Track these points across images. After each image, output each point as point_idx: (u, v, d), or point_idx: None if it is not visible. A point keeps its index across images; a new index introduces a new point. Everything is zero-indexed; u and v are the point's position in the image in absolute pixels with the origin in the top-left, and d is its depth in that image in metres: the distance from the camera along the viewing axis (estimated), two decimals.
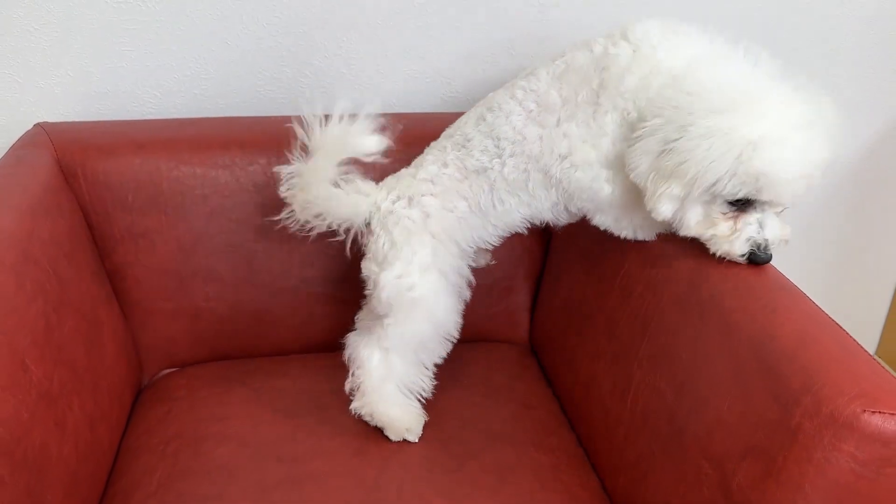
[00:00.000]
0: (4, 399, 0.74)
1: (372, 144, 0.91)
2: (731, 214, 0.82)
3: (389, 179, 1.02)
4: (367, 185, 1.00)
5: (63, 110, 1.17)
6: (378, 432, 0.98)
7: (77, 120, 1.16)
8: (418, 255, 0.96)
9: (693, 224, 0.84)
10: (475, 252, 1.03)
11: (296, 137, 0.94)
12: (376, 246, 0.98)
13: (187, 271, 1.10)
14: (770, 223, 0.82)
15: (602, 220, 0.94)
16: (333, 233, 1.01)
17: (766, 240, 0.82)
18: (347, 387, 1.00)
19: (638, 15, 0.93)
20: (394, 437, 0.97)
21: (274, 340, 1.15)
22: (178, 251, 1.09)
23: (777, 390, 0.70)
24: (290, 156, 0.96)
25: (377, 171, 1.00)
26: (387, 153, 0.92)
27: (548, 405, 1.07)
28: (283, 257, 1.13)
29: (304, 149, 0.95)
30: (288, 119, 1.17)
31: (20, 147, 1.05)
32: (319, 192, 0.95)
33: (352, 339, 1.03)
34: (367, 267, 1.00)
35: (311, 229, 0.99)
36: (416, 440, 0.97)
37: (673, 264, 0.88)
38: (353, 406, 0.99)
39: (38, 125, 1.10)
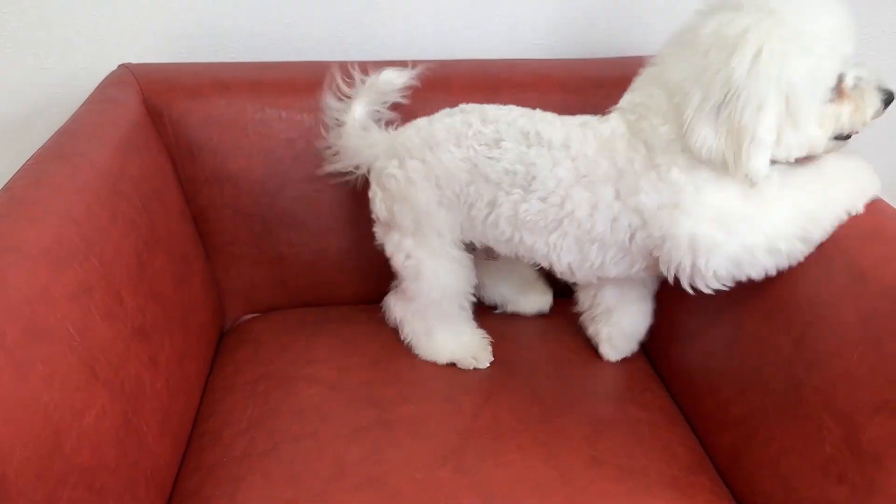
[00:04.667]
0: (104, 329, 0.74)
1: (389, 74, 0.97)
2: (832, 96, 0.78)
3: (401, 129, 0.97)
4: (380, 134, 0.99)
5: (145, 52, 1.16)
6: (467, 382, 0.95)
7: (159, 61, 1.15)
8: (403, 222, 0.94)
9: (816, 136, 0.78)
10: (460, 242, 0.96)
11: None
12: (375, 204, 0.97)
13: (271, 216, 1.08)
14: (860, 70, 0.79)
15: (714, 282, 0.82)
16: None
17: (878, 79, 0.79)
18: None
19: None
20: (467, 367, 0.97)
21: (355, 289, 1.14)
22: (262, 195, 1.07)
23: None
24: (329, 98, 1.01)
25: None
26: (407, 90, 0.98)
27: (638, 361, 1.03)
28: (366, 204, 1.11)
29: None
30: (372, 64, 1.16)
31: (107, 86, 1.04)
32: (349, 138, 0.99)
33: (388, 302, 1.03)
34: (377, 229, 1.00)
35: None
36: (487, 365, 0.97)
37: None
38: (418, 355, 1.00)
39: (123, 66, 1.09)
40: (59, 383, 0.65)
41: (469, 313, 1.02)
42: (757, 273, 0.80)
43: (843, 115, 0.79)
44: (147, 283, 0.85)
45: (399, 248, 0.95)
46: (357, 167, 1.01)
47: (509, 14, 1.20)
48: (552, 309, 1.12)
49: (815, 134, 0.78)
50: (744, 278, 0.81)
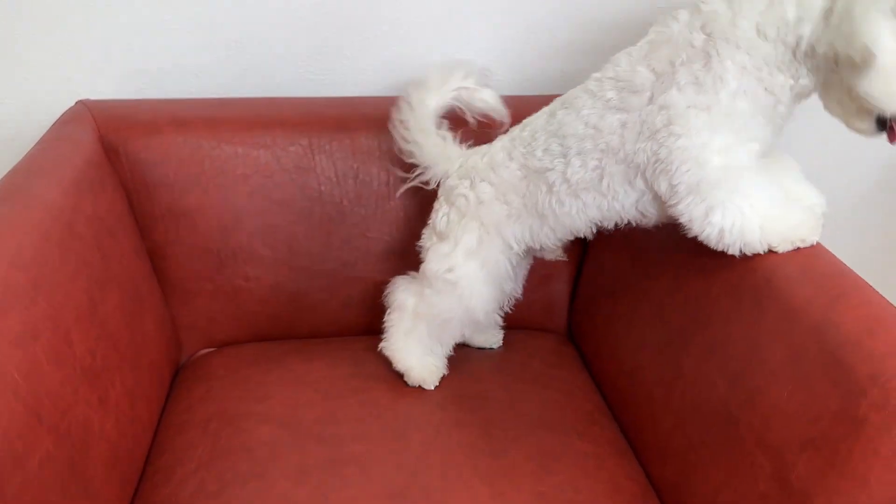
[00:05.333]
0: (50, 373, 0.74)
1: (488, 96, 0.99)
2: None
3: (470, 151, 1.02)
4: (455, 150, 1.02)
5: (103, 88, 1.16)
6: (418, 417, 0.97)
7: (117, 98, 1.16)
8: (465, 238, 0.97)
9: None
10: (526, 251, 1.01)
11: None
12: (438, 216, 1.01)
13: (227, 251, 1.09)
14: None
15: (688, 209, 0.82)
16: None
17: None
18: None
19: None
20: (411, 383, 1.02)
21: (312, 323, 1.15)
22: (218, 231, 1.08)
23: (840, 380, 0.68)
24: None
25: None
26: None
27: (589, 394, 1.05)
28: (322, 239, 1.13)
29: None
30: (328, 101, 1.18)
31: (63, 123, 1.05)
32: (422, 127, 1.00)
33: (397, 281, 1.06)
34: (426, 235, 1.03)
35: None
36: (432, 388, 1.01)
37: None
38: (380, 346, 1.04)
39: (80, 102, 1.10)
40: (1, 430, 0.65)
41: (456, 342, 1.05)
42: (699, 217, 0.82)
43: None
44: (98, 323, 0.86)
45: (445, 260, 0.98)
46: (427, 183, 1.04)
47: (470, 52, 1.22)
48: (505, 342, 1.14)
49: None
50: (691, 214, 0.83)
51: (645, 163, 0.84)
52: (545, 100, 1.18)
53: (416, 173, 1.05)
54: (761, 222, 0.81)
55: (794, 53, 0.78)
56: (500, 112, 1.01)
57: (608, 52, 1.23)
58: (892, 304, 0.73)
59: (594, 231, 0.95)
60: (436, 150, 1.02)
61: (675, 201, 0.83)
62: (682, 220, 0.84)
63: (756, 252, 0.82)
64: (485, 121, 1.02)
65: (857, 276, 0.78)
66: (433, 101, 1.00)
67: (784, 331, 0.75)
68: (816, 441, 0.68)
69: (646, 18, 1.21)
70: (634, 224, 0.92)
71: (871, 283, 0.77)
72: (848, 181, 1.45)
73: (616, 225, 0.92)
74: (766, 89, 0.79)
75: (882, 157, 1.44)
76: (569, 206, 0.91)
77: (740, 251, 0.82)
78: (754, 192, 0.81)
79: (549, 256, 1.09)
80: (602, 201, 0.89)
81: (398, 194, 1.10)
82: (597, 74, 0.89)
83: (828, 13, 0.75)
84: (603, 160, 0.87)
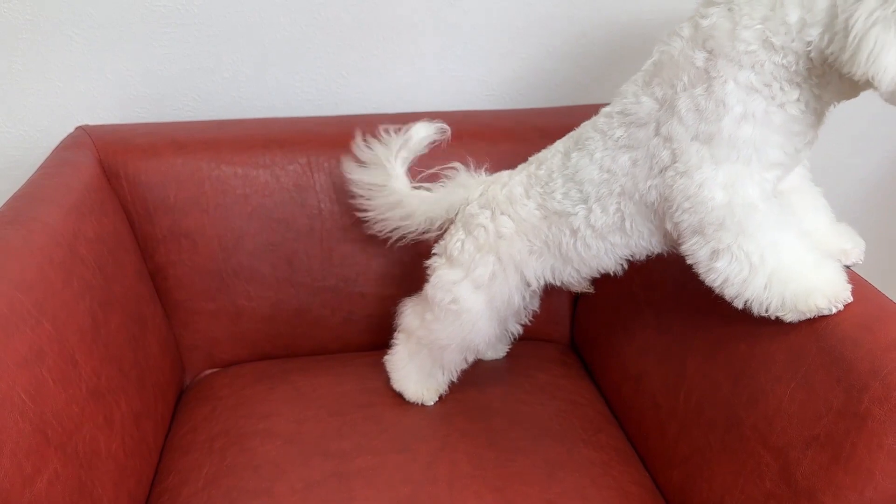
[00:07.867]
0: (56, 393, 0.75)
1: (421, 130, 0.98)
2: None
3: (491, 179, 0.99)
4: (470, 178, 1.00)
5: (103, 113, 1.18)
6: (424, 429, 0.97)
7: (117, 122, 1.17)
8: (477, 271, 0.93)
9: None
10: (544, 288, 0.97)
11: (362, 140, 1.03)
12: (452, 241, 0.96)
13: (228, 271, 1.10)
14: None
15: (692, 249, 0.78)
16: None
17: None
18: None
19: None
20: (409, 401, 1.02)
21: (314, 340, 1.15)
22: (219, 250, 1.09)
23: (842, 376, 0.68)
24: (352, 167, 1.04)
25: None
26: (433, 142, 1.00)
27: (594, 402, 1.05)
28: (323, 256, 1.13)
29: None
30: (325, 119, 1.19)
31: (63, 149, 1.06)
32: (410, 202, 1.00)
33: (405, 303, 1.05)
34: (437, 254, 1.00)
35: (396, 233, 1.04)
36: (431, 404, 1.02)
37: None
38: (384, 357, 1.05)
39: (79, 128, 1.11)
40: (9, 450, 0.65)
41: (460, 368, 1.02)
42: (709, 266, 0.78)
43: None
44: (102, 345, 0.86)
45: (450, 288, 0.95)
46: (431, 224, 1.01)
47: (467, 67, 1.24)
48: (508, 352, 1.15)
49: None
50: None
51: (656, 201, 0.79)
52: (541, 113, 1.21)
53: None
54: (767, 280, 0.74)
55: (806, 63, 0.70)
56: (436, 133, 1.00)
57: (606, 65, 1.26)
58: (890, 300, 0.74)
59: (625, 267, 0.89)
60: (440, 193, 0.99)
61: (681, 241, 0.79)
62: (689, 260, 0.80)
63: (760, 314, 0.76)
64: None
65: (856, 273, 0.78)
66: (396, 164, 0.99)
67: (784, 330, 0.76)
68: (821, 438, 0.69)
69: (647, 27, 1.24)
70: (665, 255, 0.86)
71: (869, 280, 0.78)
72: (848, 179, 1.46)
73: (647, 257, 0.87)
74: (779, 106, 0.72)
75: (882, 156, 1.45)
76: (596, 249, 0.87)
77: (744, 305, 0.77)
78: (767, 237, 0.74)
79: (574, 289, 1.02)
80: (629, 241, 0.85)
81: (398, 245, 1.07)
82: (606, 109, 0.84)
83: (832, 15, 0.66)
84: (621, 203, 0.82)
